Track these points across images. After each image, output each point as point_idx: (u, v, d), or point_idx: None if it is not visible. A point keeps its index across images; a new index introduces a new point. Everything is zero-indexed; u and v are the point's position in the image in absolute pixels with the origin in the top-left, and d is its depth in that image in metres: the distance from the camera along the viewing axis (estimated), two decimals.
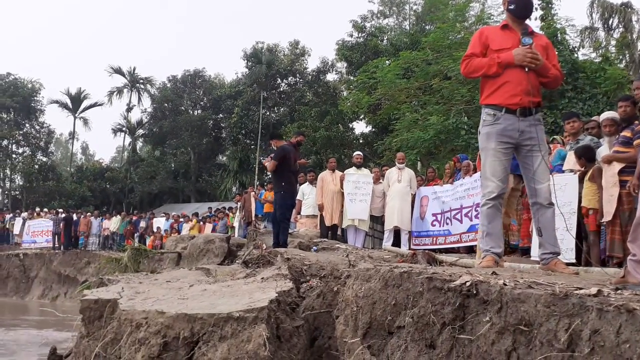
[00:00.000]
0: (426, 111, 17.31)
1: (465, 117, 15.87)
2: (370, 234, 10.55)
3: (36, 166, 37.00)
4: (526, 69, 4.00)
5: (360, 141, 29.86)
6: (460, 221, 9.34)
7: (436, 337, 2.58)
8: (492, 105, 4.14)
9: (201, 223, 19.99)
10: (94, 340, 6.41)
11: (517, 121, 4.03)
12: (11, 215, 27.81)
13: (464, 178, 9.46)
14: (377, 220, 10.54)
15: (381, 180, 10.61)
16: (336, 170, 11.28)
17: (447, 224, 9.65)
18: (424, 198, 10.28)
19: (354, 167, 11.08)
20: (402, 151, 13.14)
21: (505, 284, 2.33)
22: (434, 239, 9.86)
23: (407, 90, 18.35)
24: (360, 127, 32.11)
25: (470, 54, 4.27)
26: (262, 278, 6.51)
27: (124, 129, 42.68)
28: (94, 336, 6.48)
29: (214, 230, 17.87)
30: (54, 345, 8.43)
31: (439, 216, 9.86)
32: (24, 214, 26.99)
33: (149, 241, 20.64)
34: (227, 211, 19.69)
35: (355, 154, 11.61)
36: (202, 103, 39.74)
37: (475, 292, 2.41)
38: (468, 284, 2.44)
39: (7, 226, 26.69)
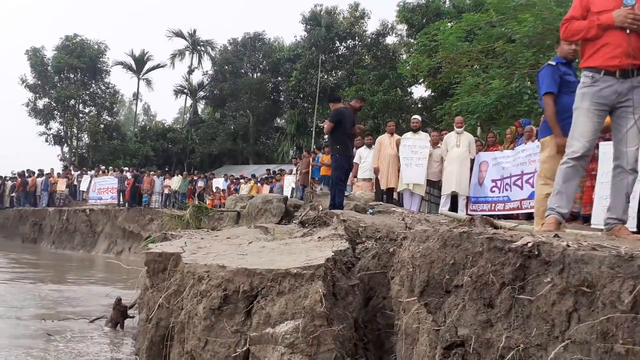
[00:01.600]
0: (488, 75, 16.84)
1: (529, 82, 15.35)
2: (427, 199, 10.47)
3: (102, 125, 38.24)
4: (627, 31, 3.85)
5: (419, 105, 29.43)
6: (521, 187, 9.15)
7: (495, 297, 2.58)
8: (590, 67, 4.02)
9: (259, 184, 20.33)
10: (157, 292, 6.72)
11: (616, 83, 3.91)
12: (78, 172, 29.00)
13: (525, 143, 9.23)
14: (434, 185, 10.44)
15: (439, 145, 10.46)
16: (394, 134, 11.20)
17: (507, 190, 9.48)
18: (483, 163, 10.10)
19: (411, 132, 10.97)
20: (462, 116, 12.88)
21: (568, 246, 2.30)
22: (493, 205, 9.71)
23: (469, 54, 17.87)
24: (419, 91, 31.56)
25: (570, 17, 4.14)
26: (319, 237, 6.62)
27: (185, 90, 43.48)
28: (157, 288, 6.79)
29: (271, 191, 18.15)
30: (119, 296, 8.92)
31: (498, 182, 9.69)
32: (91, 172, 28.11)
33: (208, 200, 21.14)
34: (284, 173, 19.93)
35: (413, 117, 11.47)
36: (261, 66, 39.94)
37: (537, 253, 2.39)
38: (530, 244, 2.42)
39: (75, 183, 27.88)
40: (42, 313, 8.97)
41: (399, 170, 10.64)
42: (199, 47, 42.82)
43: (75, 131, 38.65)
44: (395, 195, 10.93)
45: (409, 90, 30.91)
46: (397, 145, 10.71)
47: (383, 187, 10.76)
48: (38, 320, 8.41)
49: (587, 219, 7.39)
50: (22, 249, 22.80)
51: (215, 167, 37.15)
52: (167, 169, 32.80)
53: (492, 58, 17.36)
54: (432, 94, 27.16)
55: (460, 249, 2.94)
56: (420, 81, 26.64)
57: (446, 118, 18.97)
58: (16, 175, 28.86)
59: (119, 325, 8.48)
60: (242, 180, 22.47)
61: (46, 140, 37.83)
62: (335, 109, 9.06)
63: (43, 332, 7.70)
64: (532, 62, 15.16)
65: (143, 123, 53.23)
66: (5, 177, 29.75)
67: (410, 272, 3.79)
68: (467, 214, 8.91)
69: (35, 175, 28.09)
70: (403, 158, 10.45)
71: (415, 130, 10.88)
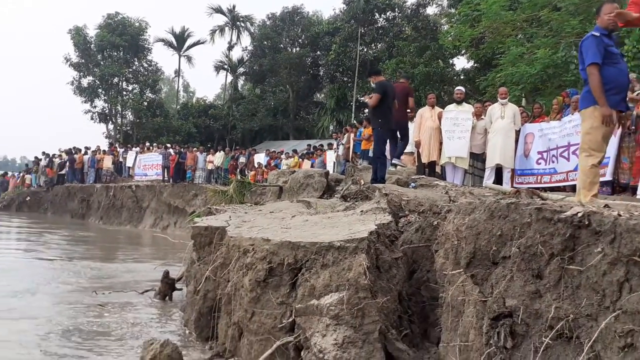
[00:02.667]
0: (533, 44, 16.39)
1: (575, 51, 14.87)
2: (470, 172, 10.33)
3: (145, 103, 38.83)
4: None
5: (461, 77, 28.86)
6: (568, 159, 8.95)
7: (543, 268, 2.56)
8: None
9: (300, 159, 20.42)
10: (204, 265, 6.89)
11: None
12: (124, 149, 29.66)
13: (573, 114, 8.98)
14: (477, 158, 10.28)
15: (483, 117, 10.28)
16: (435, 107, 11.05)
17: (553, 162, 9.28)
18: (529, 135, 9.89)
19: (454, 104, 10.80)
20: (506, 87, 12.59)
21: (619, 215, 2.26)
22: (539, 177, 9.53)
23: (513, 23, 17.38)
24: (462, 62, 30.98)
25: None
26: (362, 211, 6.64)
27: (225, 66, 43.70)
28: (204, 261, 6.96)
29: (312, 166, 18.21)
30: (167, 269, 9.17)
31: (544, 154, 9.49)
32: (136, 148, 28.69)
33: (250, 176, 21.38)
34: (325, 148, 19.96)
35: (456, 89, 11.28)
36: (300, 40, 39.77)
37: (587, 222, 2.35)
38: (580, 214, 2.39)
39: (120, 159, 28.54)
40: (94, 286, 9.29)
41: (440, 144, 10.53)
42: (238, 23, 42.88)
43: (120, 109, 39.37)
44: (437, 169, 10.83)
45: (451, 61, 30.28)
46: (439, 117, 10.58)
47: (424, 160, 10.67)
48: (90, 293, 8.72)
49: (636, 190, 7.20)
50: (71, 224, 23.56)
51: (256, 143, 37.44)
52: (209, 145, 33.20)
53: (537, 27, 16.86)
54: (475, 65, 26.62)
55: (507, 220, 2.92)
56: (462, 52, 26.11)
57: (490, 89, 18.58)
58: (63, 153, 29.73)
59: (167, 297, 8.74)
60: (282, 156, 22.60)
61: (91, 118, 38.71)
62: (378, 81, 9.02)
63: (95, 304, 7.99)
64: (578, 30, 14.67)
65: (184, 100, 53.85)
66: (54, 154, 30.66)
67: (455, 245, 3.79)
68: (512, 187, 8.78)
69: (82, 152, 28.83)
70: (445, 131, 10.32)
71: (458, 102, 10.71)
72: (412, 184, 8.57)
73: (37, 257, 12.64)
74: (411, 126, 11.10)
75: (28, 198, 29.37)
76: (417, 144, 10.72)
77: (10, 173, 41.48)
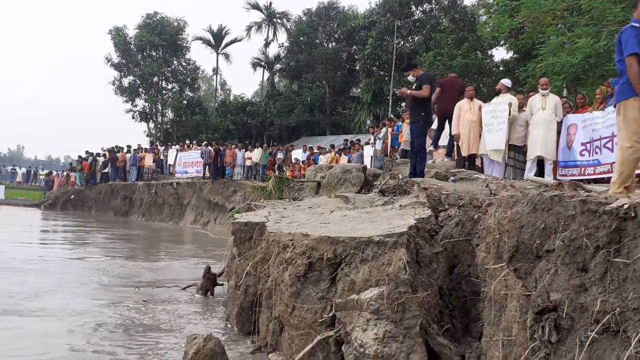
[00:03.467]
0: (574, 34, 15.97)
1: None
2: (512, 165, 10.16)
3: (184, 101, 39.43)
4: None
5: (501, 68, 28.36)
6: (611, 150, 8.71)
7: (589, 261, 2.51)
8: None
9: (337, 155, 20.42)
10: (244, 260, 6.98)
11: None
12: (164, 147, 30.17)
13: None
14: (518, 150, 10.10)
15: (524, 109, 10.09)
16: (474, 99, 10.89)
17: (597, 153, 9.06)
18: (571, 126, 9.67)
19: (496, 96, 10.63)
20: (547, 77, 12.33)
21: None
22: (582, 169, 9.32)
23: (553, 12, 16.98)
24: (500, 53, 30.37)
25: None
26: (400, 205, 6.61)
27: (262, 63, 43.99)
28: (244, 256, 7.05)
29: (349, 161, 18.19)
30: (209, 264, 9.31)
31: (588, 145, 9.27)
32: (176, 146, 29.17)
33: (287, 172, 21.50)
34: (361, 143, 19.91)
35: (502, 80, 11.05)
36: (336, 35, 39.75)
37: (633, 215, 2.30)
38: (626, 206, 2.33)
39: (161, 157, 29.06)
40: (137, 282, 9.51)
41: (480, 136, 10.39)
42: (274, 20, 43.08)
43: (160, 107, 40.04)
44: (478, 162, 10.69)
45: (490, 53, 29.82)
46: (479, 110, 10.43)
47: (464, 153, 10.54)
48: (134, 288, 8.93)
49: None
50: (115, 222, 24.12)
51: (294, 139, 37.61)
52: (247, 142, 33.51)
53: (578, 15, 16.43)
54: (514, 55, 26.13)
55: (551, 213, 2.87)
56: (501, 43, 25.68)
57: (530, 80, 18.21)
58: (106, 152, 30.44)
59: (209, 292, 8.88)
60: (317, 151, 22.64)
61: (132, 117, 39.50)
62: (423, 74, 9.00)
63: (139, 299, 8.17)
64: (620, 18, 14.23)
65: (222, 98, 54.41)
66: (97, 153, 31.42)
67: (496, 239, 3.74)
68: (554, 179, 8.60)
69: (125, 151, 29.47)
70: (485, 124, 10.17)
71: (499, 94, 10.55)
72: (452, 178, 8.49)
73: (82, 255, 13.00)
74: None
75: (72, 196, 30.18)
76: (457, 138, 10.60)
77: (55, 172, 42.71)
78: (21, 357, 5.36)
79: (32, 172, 50.80)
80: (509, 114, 9.93)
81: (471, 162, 10.56)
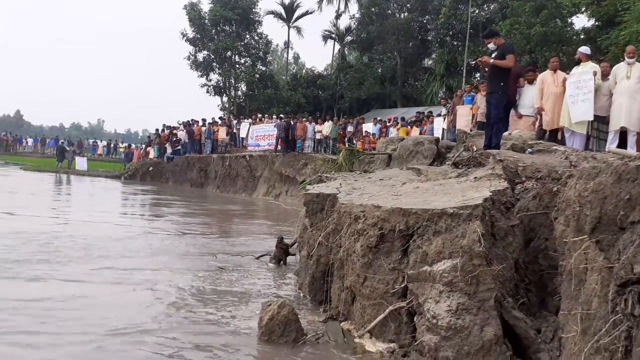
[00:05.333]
0: None
1: None
2: (595, 136, 9.69)
3: (257, 75, 39.87)
4: None
5: (581, 37, 26.96)
6: None
7: None
8: None
9: (408, 127, 20.17)
10: (316, 231, 7.08)
11: None
12: (237, 120, 30.74)
13: None
14: (601, 121, 9.60)
15: (609, 77, 9.56)
16: (558, 71, 10.38)
17: None
18: None
19: (576, 66, 10.12)
20: (631, 45, 11.62)
21: None
22: None
23: None
24: (581, 21, 28.92)
25: None
26: (475, 178, 6.49)
27: (333, 35, 43.78)
28: (316, 227, 7.14)
29: (420, 134, 17.93)
30: (281, 235, 9.49)
31: None
32: (249, 120, 29.65)
33: (358, 144, 21.44)
34: (434, 115, 19.56)
35: (581, 48, 10.51)
36: (408, 5, 38.91)
37: None
38: None
39: (234, 131, 29.64)
40: (214, 250, 9.84)
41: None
42: None
43: (233, 81, 40.66)
44: (558, 135, 10.25)
45: (570, 20, 28.39)
46: (564, 84, 9.93)
47: (547, 127, 10.11)
48: (211, 257, 9.25)
49: None
50: (191, 193, 24.91)
51: (364, 112, 37.39)
52: (317, 115, 33.60)
53: None
54: (596, 23, 24.79)
55: (636, 183, 2.75)
56: (582, 10, 24.42)
57: (612, 49, 17.28)
58: (182, 125, 31.35)
59: (281, 261, 9.08)
60: (389, 124, 22.42)
61: (207, 91, 40.35)
62: (505, 42, 8.74)
63: (216, 267, 8.46)
64: None
65: (294, 71, 54.64)
66: (173, 127, 32.41)
67: (576, 211, 3.62)
68: (638, 151, 8.16)
69: (200, 124, 30.23)
70: (569, 96, 9.66)
71: (579, 63, 10.03)
72: (529, 150, 8.21)
73: (162, 225, 13.54)
74: (529, 89, 10.60)
75: (151, 168, 31.31)
76: (539, 111, 10.17)
77: (134, 145, 44.43)
78: (110, 322, 5.68)
79: (112, 145, 53.25)
80: (594, 83, 9.44)
81: (552, 136, 10.14)
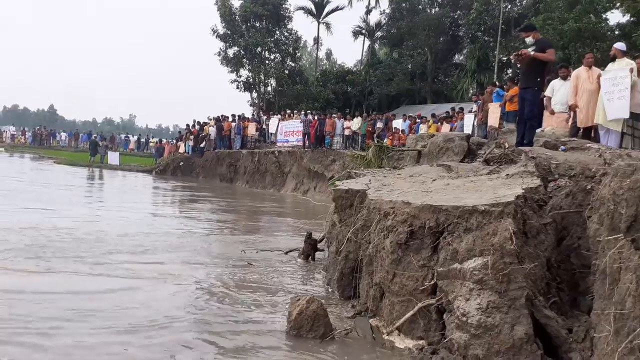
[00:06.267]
0: None
1: None
2: (630, 133, 9.48)
3: (286, 71, 39.96)
4: None
5: (616, 33, 26.37)
6: None
7: None
8: None
9: (438, 123, 20.02)
10: (345, 226, 7.09)
11: None
12: (266, 116, 30.88)
13: None
14: (636, 118, 9.39)
15: None
16: (593, 67, 10.16)
17: None
18: None
19: (611, 63, 9.90)
20: None
21: None
22: None
23: None
24: (616, 16, 28.19)
25: None
26: (507, 175, 6.42)
27: (363, 31, 43.62)
28: (345, 223, 7.15)
29: (451, 130, 17.78)
30: (310, 230, 9.52)
31: None
32: (278, 115, 29.77)
33: (387, 141, 21.36)
34: (464, 112, 19.37)
35: (616, 44, 10.28)
36: (439, 0, 38.57)
37: None
38: None
39: (264, 126, 29.79)
40: (243, 246, 9.92)
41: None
42: None
43: (262, 77, 40.82)
44: (592, 132, 10.05)
45: (604, 16, 27.78)
46: (599, 80, 9.72)
47: (581, 125, 9.92)
48: (240, 252, 9.33)
49: None
50: (221, 188, 25.13)
51: (393, 108, 37.19)
52: (347, 111, 33.52)
53: None
54: (632, 19, 24.23)
55: None
56: (617, 5, 23.88)
57: None
58: (212, 120, 31.61)
59: (310, 257, 9.12)
60: (419, 120, 22.27)
61: (237, 87, 40.58)
62: (543, 37, 8.63)
63: (245, 262, 8.54)
64: None
65: (325, 67, 54.56)
66: (204, 122, 32.71)
67: (611, 210, 3.56)
68: None
69: (229, 120, 30.46)
70: (605, 92, 9.44)
71: (614, 59, 9.81)
72: (562, 147, 8.08)
73: (193, 223, 13.69)
74: (563, 85, 10.41)
75: (181, 163, 31.67)
76: (573, 107, 9.99)
77: (165, 140, 44.97)
78: (141, 313, 5.79)
79: (143, 140, 53.98)
80: (631, 80, 9.23)
81: (586, 133, 9.95)
